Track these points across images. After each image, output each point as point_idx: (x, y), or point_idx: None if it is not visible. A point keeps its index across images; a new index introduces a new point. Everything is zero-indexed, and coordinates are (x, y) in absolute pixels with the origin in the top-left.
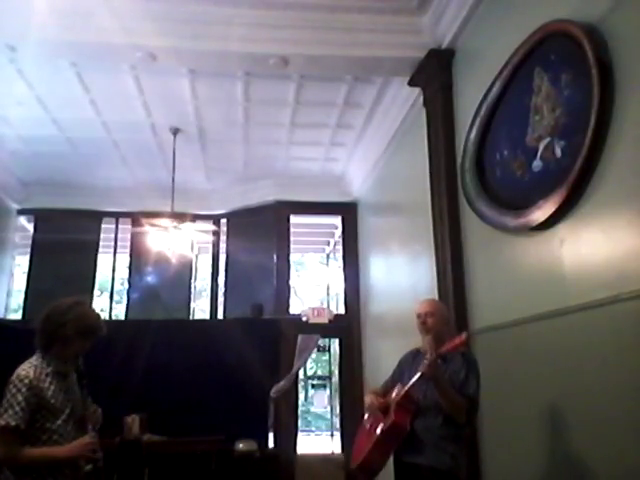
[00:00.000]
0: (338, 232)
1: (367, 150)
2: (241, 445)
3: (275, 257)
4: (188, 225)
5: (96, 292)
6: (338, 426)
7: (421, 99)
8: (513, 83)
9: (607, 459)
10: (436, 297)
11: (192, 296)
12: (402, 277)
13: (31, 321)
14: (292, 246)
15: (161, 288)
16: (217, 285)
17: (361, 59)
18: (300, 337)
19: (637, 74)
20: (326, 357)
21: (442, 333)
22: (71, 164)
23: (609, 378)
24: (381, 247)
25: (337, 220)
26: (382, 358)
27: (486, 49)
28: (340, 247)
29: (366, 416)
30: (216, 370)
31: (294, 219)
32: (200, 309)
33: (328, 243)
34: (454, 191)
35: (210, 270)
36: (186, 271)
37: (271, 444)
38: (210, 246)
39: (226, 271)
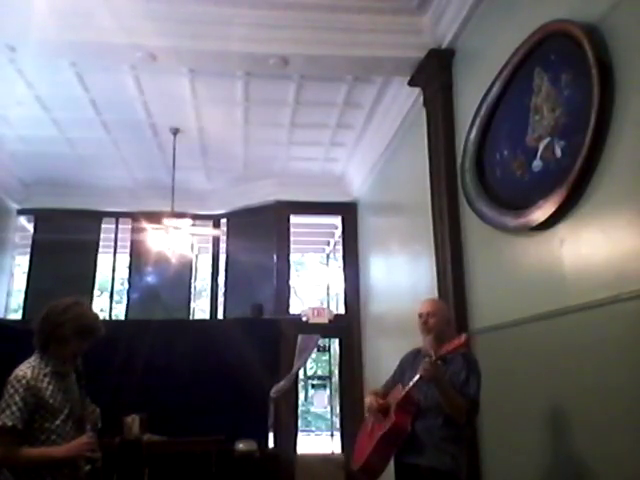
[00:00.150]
0: (338, 232)
1: (367, 150)
2: (241, 445)
3: (275, 257)
4: (188, 224)
5: (96, 292)
6: (338, 426)
7: (421, 99)
8: (513, 83)
9: (607, 459)
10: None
11: (192, 296)
12: (402, 277)
13: (31, 321)
14: (292, 246)
15: (161, 288)
16: (217, 285)
17: (361, 59)
18: (300, 337)
19: (637, 74)
20: (326, 357)
21: (443, 333)
22: (71, 164)
23: (609, 378)
24: (381, 247)
25: (337, 220)
26: (382, 358)
27: (486, 49)
28: (340, 247)
29: (367, 417)
30: (216, 370)
31: (294, 219)
32: (200, 309)
33: (328, 243)
34: (454, 191)
35: (210, 270)
36: (186, 271)
37: (271, 444)
38: (210, 246)
39: (226, 271)
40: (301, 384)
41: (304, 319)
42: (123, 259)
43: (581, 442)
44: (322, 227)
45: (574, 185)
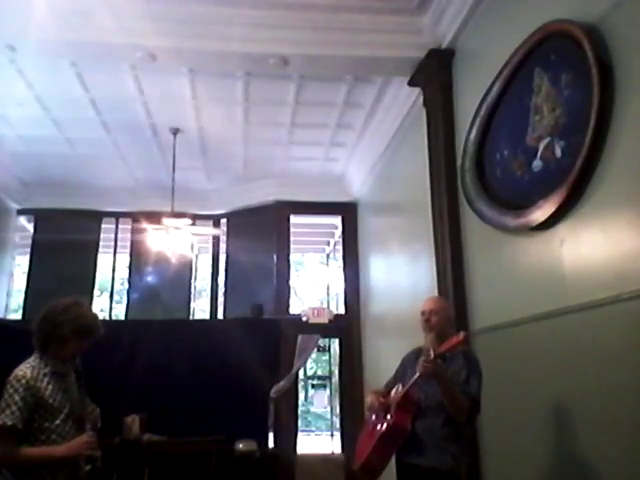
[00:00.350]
0: (338, 232)
1: (367, 150)
2: (241, 445)
3: (275, 257)
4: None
5: (96, 292)
6: (338, 426)
7: (421, 99)
8: (513, 83)
9: (607, 459)
10: None
11: (192, 296)
12: (402, 277)
13: (31, 321)
14: (292, 246)
15: (161, 288)
16: (217, 285)
17: (361, 59)
18: (300, 337)
19: (637, 74)
20: (326, 357)
21: (445, 332)
22: (71, 164)
23: (609, 378)
24: (381, 247)
25: (337, 220)
26: (382, 358)
27: (486, 49)
28: (340, 247)
29: (368, 416)
30: (216, 370)
31: (294, 219)
32: (200, 309)
33: (328, 243)
34: (454, 191)
35: (210, 270)
36: (186, 271)
37: (271, 444)
38: (210, 246)
39: (226, 271)
40: (301, 384)
41: (304, 319)
42: (123, 259)
43: (581, 442)
44: (322, 227)
45: (574, 185)
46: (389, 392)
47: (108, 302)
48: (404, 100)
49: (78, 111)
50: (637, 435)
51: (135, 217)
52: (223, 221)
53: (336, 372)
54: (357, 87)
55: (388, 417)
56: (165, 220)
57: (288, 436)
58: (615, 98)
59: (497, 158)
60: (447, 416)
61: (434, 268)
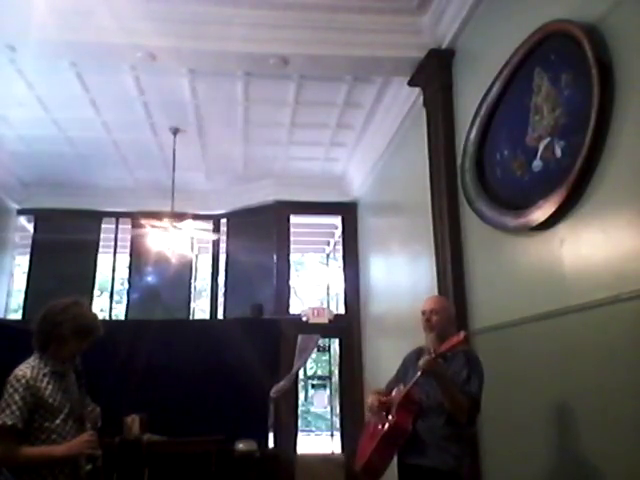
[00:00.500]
0: (338, 232)
1: (367, 150)
2: (241, 445)
3: (275, 257)
4: (188, 224)
5: (96, 292)
6: (338, 426)
7: (421, 99)
8: (513, 83)
9: (608, 458)
10: None
11: (192, 296)
12: (402, 277)
13: (31, 321)
14: (292, 246)
15: (161, 288)
16: (217, 285)
17: (361, 59)
18: (300, 337)
19: (637, 74)
20: (326, 357)
21: (446, 331)
22: (71, 164)
23: (609, 378)
24: (381, 247)
25: (337, 220)
26: (382, 358)
27: (486, 49)
28: (340, 247)
29: (369, 417)
30: (216, 370)
31: (294, 219)
32: (200, 309)
33: (328, 243)
34: (454, 191)
35: (210, 270)
36: (186, 271)
37: (271, 444)
38: (210, 246)
39: (226, 271)
40: (301, 384)
41: (304, 319)
42: (123, 259)
43: (581, 442)
44: (322, 227)
45: (574, 185)
46: (390, 392)
47: (108, 302)
48: (404, 100)
49: (78, 111)
50: (637, 435)
51: (135, 217)
52: (223, 221)
53: (336, 372)
54: (357, 87)
55: (389, 417)
56: (165, 220)
57: (288, 436)
58: (615, 98)
59: (497, 158)
60: (448, 416)
61: (434, 268)
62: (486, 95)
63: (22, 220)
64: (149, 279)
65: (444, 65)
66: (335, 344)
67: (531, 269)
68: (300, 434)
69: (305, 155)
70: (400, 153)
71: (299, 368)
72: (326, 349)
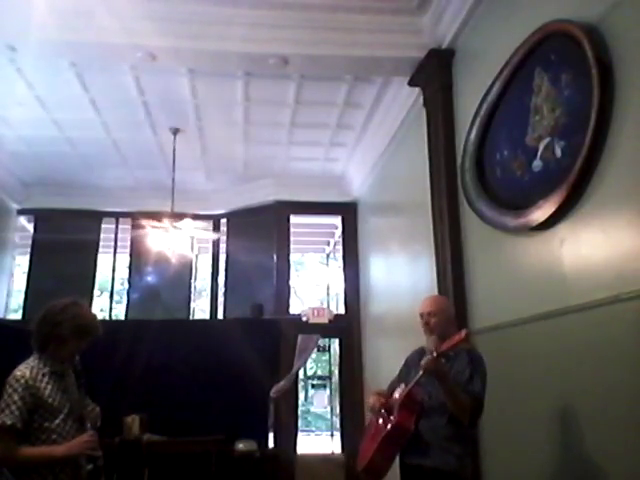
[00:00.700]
0: (338, 232)
1: (367, 150)
2: (241, 445)
3: (275, 257)
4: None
5: (96, 292)
6: (338, 426)
7: (421, 99)
8: (513, 83)
9: (608, 458)
10: None
11: (192, 296)
12: (402, 277)
13: (31, 321)
14: (292, 246)
15: (161, 288)
16: (217, 285)
17: (361, 59)
18: (300, 337)
19: (637, 74)
20: (326, 357)
21: (446, 332)
22: (71, 164)
23: (609, 378)
24: (381, 247)
25: (337, 220)
26: (382, 358)
27: (486, 49)
28: (340, 247)
29: (371, 417)
30: (216, 370)
31: (294, 219)
32: (200, 309)
33: (328, 243)
34: (454, 191)
35: (210, 270)
36: (186, 271)
37: (271, 444)
38: (210, 246)
39: (226, 271)
40: (301, 384)
41: (304, 319)
42: (123, 259)
43: (581, 441)
44: (322, 227)
45: (574, 185)
46: (392, 393)
47: (108, 302)
48: (404, 100)
49: (78, 111)
50: (638, 435)
51: (135, 217)
52: (223, 221)
53: (336, 372)
54: (357, 87)
55: (391, 417)
56: (165, 220)
57: (288, 436)
58: (615, 98)
59: (497, 158)
60: (451, 416)
61: (434, 268)
62: (486, 95)
63: (22, 220)
64: (149, 279)
65: (444, 65)
66: (335, 344)
67: (531, 269)
68: (300, 434)
69: (305, 155)
70: (400, 153)
71: (299, 368)
72: (326, 349)
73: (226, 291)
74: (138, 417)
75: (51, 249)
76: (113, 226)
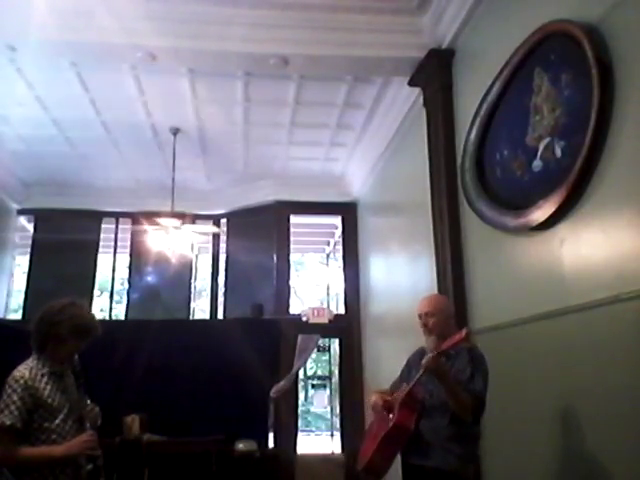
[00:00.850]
0: (338, 232)
1: (367, 150)
2: (241, 445)
3: (275, 257)
4: (188, 225)
5: (96, 292)
6: (338, 426)
7: (421, 99)
8: (513, 83)
9: (608, 458)
10: None
11: (192, 296)
12: (402, 277)
13: (31, 321)
14: (292, 246)
15: (161, 288)
16: (217, 285)
17: (361, 59)
18: (300, 337)
19: (637, 74)
20: (326, 357)
21: (445, 331)
22: (71, 164)
23: (609, 378)
24: (381, 247)
25: (337, 220)
26: (382, 358)
27: (486, 49)
28: (340, 247)
29: (372, 417)
30: (216, 370)
31: (294, 219)
32: (200, 309)
33: (328, 243)
34: (454, 191)
35: (210, 270)
36: (186, 271)
37: (271, 444)
38: (210, 246)
39: (226, 271)
40: (301, 384)
41: (304, 319)
42: (123, 259)
43: (581, 441)
44: (322, 227)
45: (574, 185)
46: (393, 393)
47: (108, 302)
48: (404, 100)
49: (78, 111)
50: (636, 435)
51: (135, 217)
52: (223, 221)
53: (336, 372)
54: (357, 87)
55: (391, 416)
56: (165, 220)
57: (288, 436)
58: (615, 98)
59: (497, 158)
60: (453, 416)
61: (434, 268)
62: (486, 95)
63: (22, 220)
64: (149, 279)
65: (444, 65)
66: (335, 344)
67: (531, 269)
68: (300, 434)
69: (305, 155)
70: (400, 153)
71: (299, 368)
72: (326, 349)
73: (226, 291)
74: (138, 417)
75: (51, 249)
76: (113, 226)
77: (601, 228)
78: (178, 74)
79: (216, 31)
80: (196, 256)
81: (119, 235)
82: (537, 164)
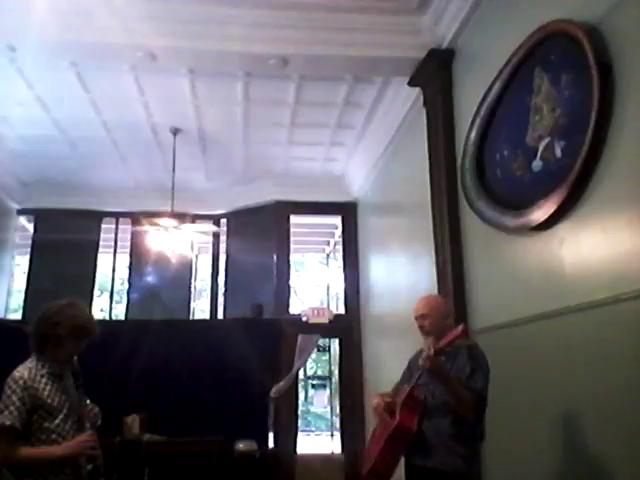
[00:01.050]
0: (338, 232)
1: (367, 150)
2: (241, 445)
3: (275, 257)
4: (188, 225)
5: (96, 292)
6: (338, 426)
7: (421, 99)
8: (513, 83)
9: (608, 458)
10: None
11: (192, 296)
12: (402, 277)
13: (30, 321)
14: (292, 246)
15: (161, 288)
16: (217, 285)
17: (361, 59)
18: (300, 337)
19: (637, 74)
20: (326, 357)
21: (442, 331)
22: (71, 164)
23: (609, 378)
24: (381, 247)
25: (337, 220)
26: (382, 358)
27: (486, 49)
28: (340, 247)
29: (375, 421)
30: (216, 370)
31: (294, 219)
32: (200, 309)
33: (328, 243)
34: (454, 191)
35: (210, 270)
36: (186, 271)
37: (271, 444)
38: (210, 246)
39: (226, 271)
40: (301, 384)
41: (304, 319)
42: (123, 259)
43: (581, 441)
44: (322, 227)
45: (574, 185)
46: (395, 395)
47: (108, 302)
48: (404, 100)
49: (78, 111)
50: (636, 435)
51: (135, 217)
52: (223, 221)
53: (336, 372)
54: (357, 87)
55: (393, 418)
56: (165, 220)
57: (288, 436)
58: (615, 98)
59: (497, 158)
60: (455, 416)
61: (434, 268)
62: (486, 95)
63: (22, 220)
64: (149, 279)
65: (444, 65)
66: (335, 344)
67: (531, 269)
68: (300, 434)
69: (305, 155)
70: (400, 153)
71: (299, 368)
72: (326, 349)
73: (226, 291)
74: (138, 417)
75: (51, 249)
76: (113, 226)
77: (601, 228)
78: (178, 74)
79: (216, 31)
80: (196, 256)
81: (119, 235)
82: (537, 164)
